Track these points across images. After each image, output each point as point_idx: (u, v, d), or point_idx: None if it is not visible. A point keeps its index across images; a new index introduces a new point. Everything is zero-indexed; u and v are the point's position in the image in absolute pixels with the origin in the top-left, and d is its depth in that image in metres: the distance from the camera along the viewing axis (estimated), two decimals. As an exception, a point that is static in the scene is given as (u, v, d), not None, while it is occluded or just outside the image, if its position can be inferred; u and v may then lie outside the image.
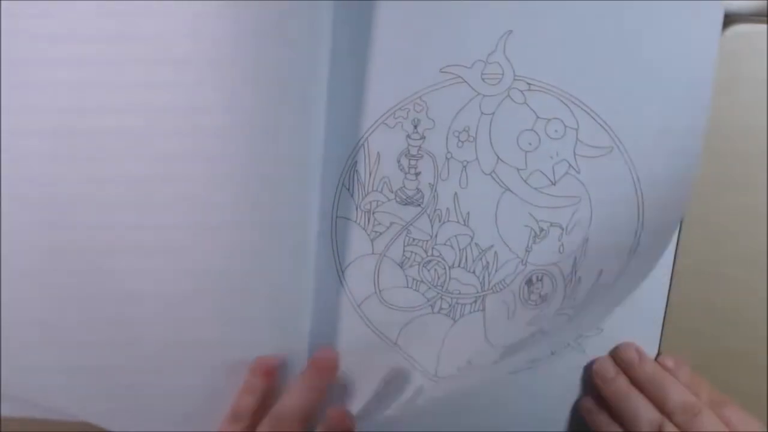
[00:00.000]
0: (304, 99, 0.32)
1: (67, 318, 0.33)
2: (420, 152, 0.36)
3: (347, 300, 0.38)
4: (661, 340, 0.40)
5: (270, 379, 0.35)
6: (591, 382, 0.39)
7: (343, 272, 0.38)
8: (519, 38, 0.35)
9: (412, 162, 0.36)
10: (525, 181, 0.37)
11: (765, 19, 0.36)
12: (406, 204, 0.37)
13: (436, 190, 0.37)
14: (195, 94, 0.31)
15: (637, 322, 0.40)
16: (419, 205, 0.37)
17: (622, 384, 0.38)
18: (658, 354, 0.40)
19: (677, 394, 0.36)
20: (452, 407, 0.40)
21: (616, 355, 0.39)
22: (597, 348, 0.40)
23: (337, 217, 0.37)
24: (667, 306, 0.39)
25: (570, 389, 0.41)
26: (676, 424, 0.35)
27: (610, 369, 0.38)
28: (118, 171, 0.31)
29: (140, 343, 0.33)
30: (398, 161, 0.36)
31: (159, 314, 0.33)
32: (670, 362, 0.38)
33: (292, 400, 0.34)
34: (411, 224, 0.37)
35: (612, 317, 0.39)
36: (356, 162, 0.36)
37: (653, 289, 0.39)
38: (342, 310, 0.38)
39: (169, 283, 0.33)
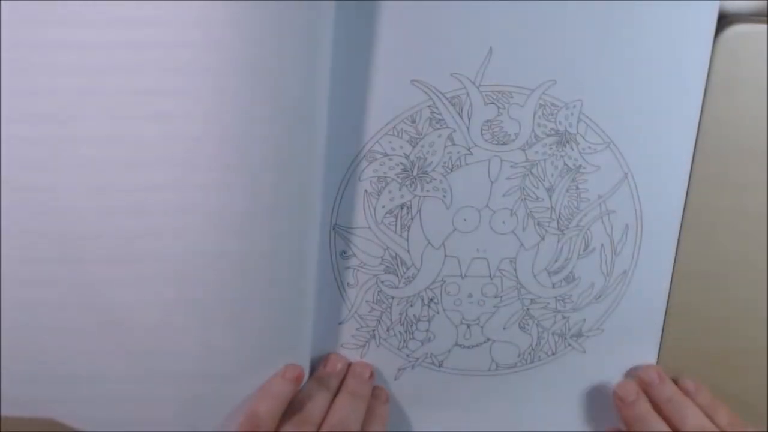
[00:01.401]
0: (305, 105, 0.32)
1: (67, 321, 0.33)
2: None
3: (347, 310, 0.38)
4: (661, 341, 0.40)
5: (298, 386, 0.35)
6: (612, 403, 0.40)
7: (342, 283, 0.38)
8: (510, 40, 0.35)
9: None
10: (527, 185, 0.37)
11: (765, 19, 0.36)
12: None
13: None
14: (195, 100, 0.31)
15: (637, 322, 0.40)
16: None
17: (642, 407, 0.38)
18: (659, 355, 0.40)
19: (694, 417, 0.37)
20: (456, 406, 0.40)
21: (636, 375, 0.39)
22: (597, 349, 0.40)
23: (335, 226, 0.37)
24: (667, 306, 0.39)
25: (570, 390, 0.41)
26: None
27: (631, 392, 0.39)
28: (115, 178, 0.31)
29: (138, 351, 0.33)
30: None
31: (157, 322, 0.33)
32: (690, 385, 0.39)
33: (267, 404, 0.34)
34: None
35: (612, 318, 0.39)
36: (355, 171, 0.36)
37: (653, 289, 0.39)
38: (343, 319, 0.38)
39: (169, 291, 0.33)
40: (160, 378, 0.34)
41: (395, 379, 0.39)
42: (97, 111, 0.30)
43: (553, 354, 0.40)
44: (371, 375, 0.38)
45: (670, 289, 0.39)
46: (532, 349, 0.40)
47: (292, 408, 0.35)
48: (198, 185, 0.31)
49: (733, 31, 0.35)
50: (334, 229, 0.37)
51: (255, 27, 0.30)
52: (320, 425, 0.35)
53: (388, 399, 0.39)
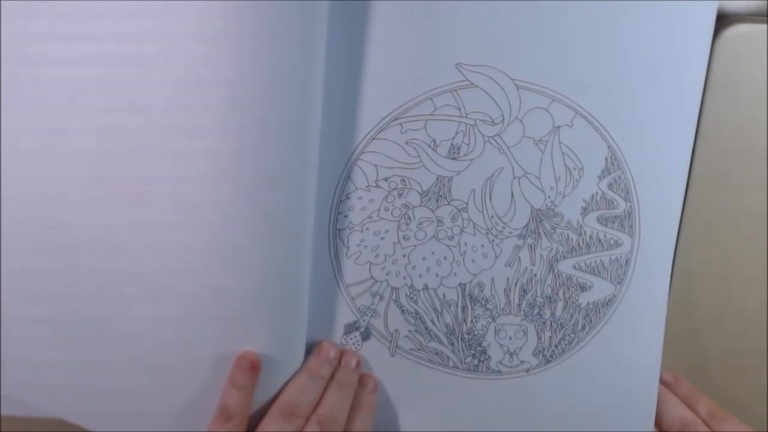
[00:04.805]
0: (302, 101, 0.32)
1: (66, 318, 0.33)
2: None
3: (345, 303, 0.38)
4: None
5: (256, 373, 0.35)
6: None
7: (341, 275, 0.38)
8: (510, 39, 0.35)
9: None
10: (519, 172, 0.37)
11: (765, 19, 0.36)
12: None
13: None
14: (194, 94, 0.31)
15: (638, 323, 0.39)
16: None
17: None
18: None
19: (674, 409, 0.38)
20: (461, 406, 0.40)
21: None
22: (599, 351, 0.40)
23: (336, 212, 0.37)
24: (667, 307, 0.39)
25: (573, 392, 0.40)
26: None
27: None
28: (115, 170, 0.32)
29: (136, 343, 0.34)
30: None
31: (155, 313, 0.33)
32: (669, 377, 0.39)
33: (233, 396, 0.35)
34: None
35: (613, 319, 0.39)
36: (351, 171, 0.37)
37: (653, 290, 0.39)
38: (339, 311, 0.38)
39: (166, 283, 0.33)
40: (160, 369, 0.34)
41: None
42: (93, 102, 0.31)
43: (555, 357, 0.40)
44: (358, 364, 0.38)
45: (670, 288, 0.39)
46: (535, 352, 0.40)
47: (283, 398, 0.36)
48: (193, 176, 0.32)
49: (733, 31, 0.35)
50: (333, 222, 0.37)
51: (251, 16, 0.30)
52: (309, 416, 0.36)
53: (376, 388, 0.39)
